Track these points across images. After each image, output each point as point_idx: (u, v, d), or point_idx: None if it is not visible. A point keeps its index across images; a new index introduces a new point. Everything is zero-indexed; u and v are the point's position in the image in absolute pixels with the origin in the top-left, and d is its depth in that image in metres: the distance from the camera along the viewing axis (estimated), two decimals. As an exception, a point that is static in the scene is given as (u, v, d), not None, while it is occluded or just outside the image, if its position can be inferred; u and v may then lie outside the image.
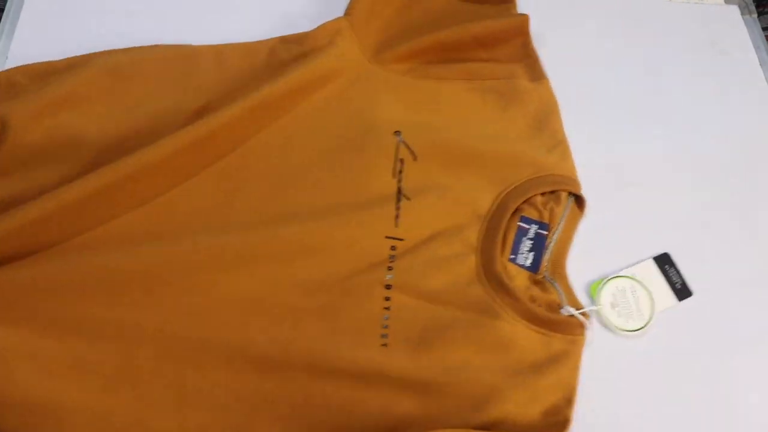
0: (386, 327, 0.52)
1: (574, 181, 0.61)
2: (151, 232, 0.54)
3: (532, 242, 0.58)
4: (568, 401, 0.51)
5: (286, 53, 0.63)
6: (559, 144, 0.63)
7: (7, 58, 0.65)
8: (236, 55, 0.63)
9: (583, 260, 0.59)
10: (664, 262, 0.61)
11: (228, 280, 0.52)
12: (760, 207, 0.65)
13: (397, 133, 0.61)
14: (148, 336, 0.49)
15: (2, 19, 0.68)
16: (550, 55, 0.70)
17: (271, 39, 0.64)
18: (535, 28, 0.70)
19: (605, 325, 0.57)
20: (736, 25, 0.77)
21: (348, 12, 0.66)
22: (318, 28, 0.64)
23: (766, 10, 0.96)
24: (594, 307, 0.57)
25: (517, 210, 0.59)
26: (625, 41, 0.75)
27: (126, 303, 0.50)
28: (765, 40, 0.78)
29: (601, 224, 0.61)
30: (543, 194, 0.60)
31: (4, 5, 0.69)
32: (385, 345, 0.51)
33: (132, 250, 0.52)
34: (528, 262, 0.58)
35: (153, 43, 0.64)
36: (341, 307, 0.53)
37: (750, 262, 0.62)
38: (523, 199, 0.59)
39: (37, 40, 0.66)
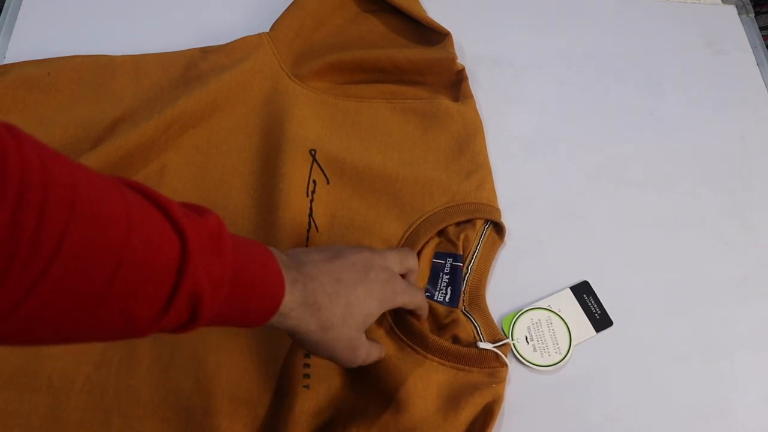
0: (307, 366, 0.50)
1: (491, 209, 0.58)
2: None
3: (448, 276, 0.56)
4: None
5: (205, 64, 0.62)
6: (479, 168, 0.60)
7: (5, 57, 0.65)
8: (154, 65, 0.62)
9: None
10: (582, 291, 0.58)
11: None
12: (756, 207, 0.64)
13: (312, 151, 0.59)
14: (77, 387, 0.49)
15: (0, 18, 0.68)
16: (546, 55, 0.70)
17: (191, 49, 0.63)
18: (533, 28, 0.69)
19: (520, 361, 0.54)
20: (734, 25, 0.76)
21: (272, 28, 0.65)
22: (238, 40, 0.63)
23: (763, 9, 0.92)
24: (508, 340, 0.54)
25: (430, 240, 0.57)
26: (623, 41, 0.73)
27: (57, 355, 0.50)
28: (762, 39, 0.75)
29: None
30: (458, 224, 0.58)
31: (2, 4, 0.69)
32: (306, 387, 0.50)
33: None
34: (447, 298, 0.55)
35: (151, 43, 0.64)
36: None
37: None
38: (436, 230, 0.57)
39: (35, 39, 0.66)
